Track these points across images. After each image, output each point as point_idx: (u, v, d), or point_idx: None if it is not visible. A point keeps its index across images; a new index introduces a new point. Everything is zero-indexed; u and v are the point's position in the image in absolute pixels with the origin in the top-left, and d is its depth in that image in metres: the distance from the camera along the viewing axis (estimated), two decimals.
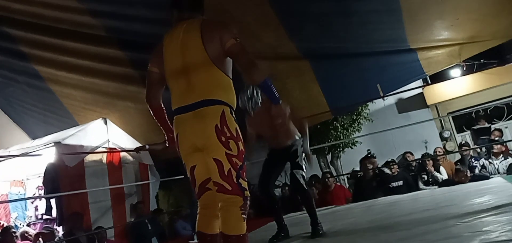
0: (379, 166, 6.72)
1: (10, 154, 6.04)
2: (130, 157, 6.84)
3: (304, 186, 3.79)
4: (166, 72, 2.26)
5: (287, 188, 7.29)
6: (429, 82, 9.66)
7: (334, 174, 8.34)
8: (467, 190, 4.79)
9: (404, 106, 10.05)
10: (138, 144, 6.28)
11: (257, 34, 5.08)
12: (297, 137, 3.83)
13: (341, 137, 8.56)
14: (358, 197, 6.17)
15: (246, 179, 2.18)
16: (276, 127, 3.61)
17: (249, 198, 2.16)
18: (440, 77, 8.74)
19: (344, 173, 8.71)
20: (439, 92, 9.65)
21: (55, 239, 5.79)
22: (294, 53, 5.58)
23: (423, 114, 9.56)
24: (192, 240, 4.84)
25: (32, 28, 5.97)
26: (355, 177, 7.04)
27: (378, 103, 8.80)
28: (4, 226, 5.92)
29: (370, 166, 6.48)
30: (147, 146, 5.67)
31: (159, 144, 5.33)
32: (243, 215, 2.12)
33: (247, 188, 2.17)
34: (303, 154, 3.80)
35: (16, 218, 7.13)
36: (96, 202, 6.00)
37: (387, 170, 6.40)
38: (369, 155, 6.87)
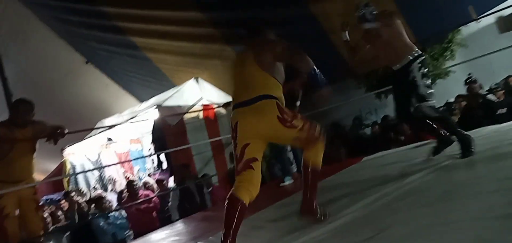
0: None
1: (121, 121, 6.86)
2: (223, 111, 7.34)
3: (438, 115, 3.56)
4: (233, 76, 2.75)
5: (377, 126, 7.23)
6: None
7: None
8: None
9: (505, 24, 9.05)
10: (229, 98, 6.69)
11: None
12: (409, 58, 3.41)
13: (431, 69, 8.09)
14: (462, 128, 5.70)
15: (317, 125, 2.59)
16: (384, 46, 3.52)
17: (324, 139, 2.63)
18: None
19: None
20: None
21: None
22: None
23: None
24: (283, 183, 5.18)
25: (122, 2, 6.54)
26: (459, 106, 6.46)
27: (473, 26, 8.08)
28: (129, 179, 6.88)
29: (475, 91, 6.01)
30: None
31: None
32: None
33: (320, 131, 2.58)
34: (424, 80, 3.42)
35: (138, 170, 8.28)
36: (199, 153, 6.63)
37: (491, 97, 5.97)
38: (470, 80, 6.21)
